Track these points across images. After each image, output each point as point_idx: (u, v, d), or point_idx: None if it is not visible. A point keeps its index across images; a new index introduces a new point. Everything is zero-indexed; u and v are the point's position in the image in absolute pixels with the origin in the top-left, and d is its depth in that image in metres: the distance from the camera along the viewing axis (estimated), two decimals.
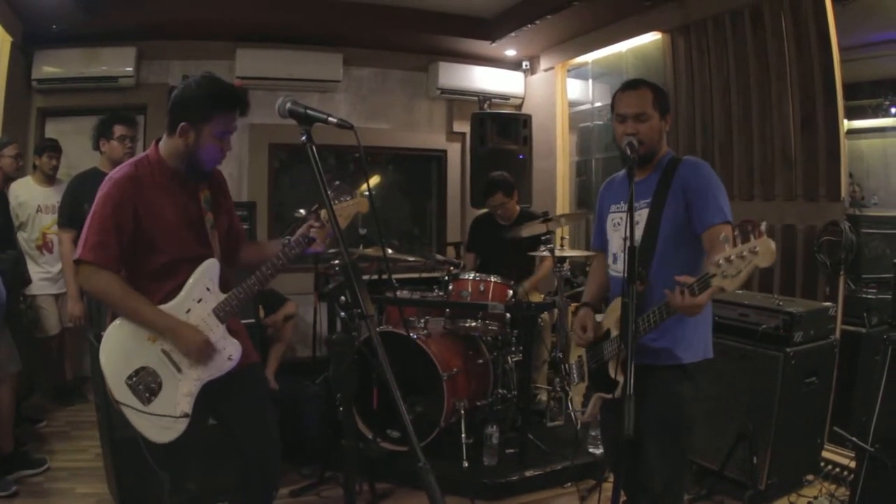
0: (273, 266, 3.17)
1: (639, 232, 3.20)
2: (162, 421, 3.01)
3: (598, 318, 3.49)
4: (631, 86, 3.32)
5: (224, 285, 3.24)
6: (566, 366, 3.73)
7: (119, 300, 3.04)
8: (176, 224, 3.14)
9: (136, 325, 3.07)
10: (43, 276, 6.34)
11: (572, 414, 5.91)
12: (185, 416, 3.04)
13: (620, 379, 3.04)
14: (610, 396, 3.21)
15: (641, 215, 3.23)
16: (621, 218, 3.37)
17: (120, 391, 2.99)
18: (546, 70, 9.02)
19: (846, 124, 5.31)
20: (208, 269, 3.19)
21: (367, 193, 3.22)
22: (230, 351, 3.20)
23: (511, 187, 6.65)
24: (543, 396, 6.39)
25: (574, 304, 5.86)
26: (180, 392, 3.07)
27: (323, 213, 3.20)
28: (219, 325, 3.18)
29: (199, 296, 3.16)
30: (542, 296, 6.54)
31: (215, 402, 3.25)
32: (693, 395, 3.22)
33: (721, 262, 2.48)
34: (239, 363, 3.22)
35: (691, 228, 3.13)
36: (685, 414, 3.21)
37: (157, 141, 3.21)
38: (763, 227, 2.41)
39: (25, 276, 5.73)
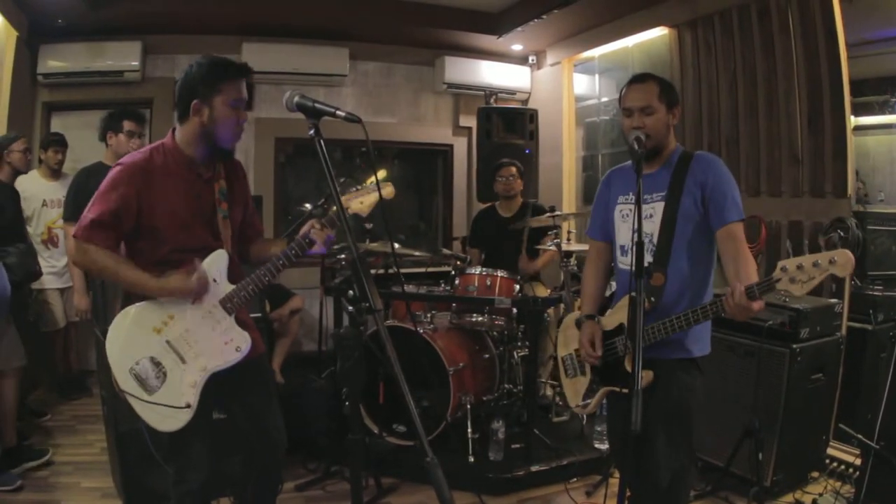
0: (275, 266, 3.18)
1: (653, 225, 3.23)
2: (165, 410, 3.02)
3: (607, 312, 3.49)
4: (638, 79, 3.33)
5: (233, 277, 3.25)
6: (560, 359, 3.74)
7: (112, 270, 3.07)
8: (185, 213, 3.16)
9: (139, 313, 3.10)
10: (48, 270, 6.34)
11: (574, 408, 5.91)
12: (188, 406, 3.05)
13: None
14: (625, 390, 3.20)
15: (655, 209, 3.24)
16: (630, 209, 3.37)
17: (124, 380, 3.02)
18: (552, 65, 9.01)
19: (853, 121, 5.30)
20: (216, 260, 3.20)
21: (376, 186, 3.24)
22: (238, 342, 3.19)
23: (522, 171, 6.80)
24: (549, 391, 6.39)
25: (579, 300, 5.86)
26: (185, 382, 3.07)
27: (332, 209, 3.20)
28: (226, 317, 3.18)
29: None
30: (549, 290, 6.54)
31: (222, 394, 3.26)
32: (702, 389, 3.24)
33: (790, 267, 2.56)
34: (247, 355, 3.22)
35: (705, 224, 3.14)
36: (694, 407, 3.23)
37: (174, 130, 3.24)
38: (836, 238, 2.55)
39: (35, 270, 5.73)
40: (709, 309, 2.96)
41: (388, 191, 3.28)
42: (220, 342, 3.17)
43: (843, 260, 2.49)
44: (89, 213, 3.04)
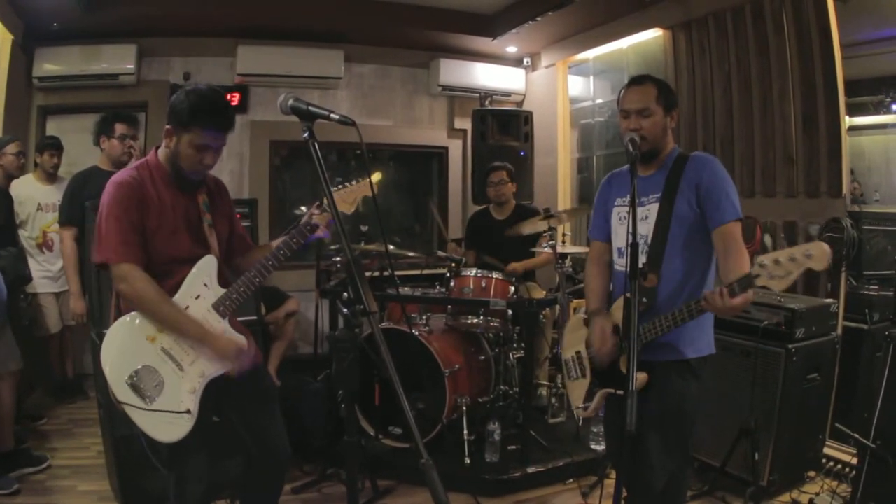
0: (275, 259, 3.19)
1: (648, 227, 3.23)
2: (165, 418, 3.01)
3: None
4: (636, 81, 3.33)
5: (223, 281, 3.26)
6: (564, 361, 3.74)
7: (156, 306, 3.05)
8: (176, 225, 3.17)
9: (133, 322, 3.09)
10: (43, 274, 6.33)
11: (574, 410, 5.91)
12: (188, 412, 3.04)
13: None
14: (620, 392, 3.20)
15: (651, 210, 3.24)
16: (627, 212, 3.37)
17: (121, 391, 3.00)
18: (547, 67, 9.01)
19: (847, 121, 5.31)
20: (206, 266, 3.21)
21: (364, 183, 3.25)
22: None
23: (513, 174, 6.78)
24: (545, 393, 6.39)
25: (575, 302, 5.86)
26: (183, 389, 3.07)
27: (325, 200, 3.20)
28: (220, 321, 3.19)
29: (197, 292, 3.17)
30: (544, 292, 6.54)
31: (220, 401, 3.26)
32: (697, 392, 3.23)
33: (767, 263, 2.53)
34: None
35: (702, 225, 3.14)
36: (689, 410, 3.22)
37: (157, 147, 3.25)
38: (813, 230, 2.51)
39: (25, 274, 5.73)
40: (693, 307, 2.95)
41: (376, 178, 3.29)
42: None
43: (818, 253, 2.45)
44: (109, 236, 3.02)
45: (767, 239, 5.46)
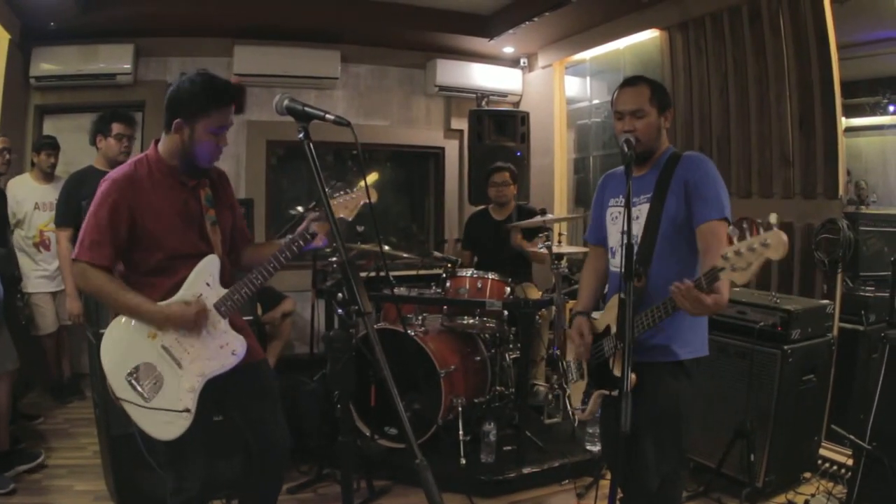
0: (276, 261, 3.17)
1: (638, 227, 3.21)
2: (163, 416, 3.01)
3: (596, 314, 3.48)
4: (629, 83, 3.32)
5: (225, 281, 3.25)
6: (564, 363, 3.72)
7: (112, 296, 3.05)
8: (175, 221, 3.15)
9: (133, 319, 3.08)
10: (40, 273, 6.33)
11: (571, 412, 5.91)
12: (187, 411, 3.04)
13: None
14: (613, 393, 3.20)
15: (642, 210, 3.24)
16: (619, 212, 3.37)
17: (120, 387, 3.00)
18: (544, 67, 9.02)
19: (844, 122, 5.31)
20: (208, 265, 3.20)
21: (364, 189, 3.25)
22: (233, 346, 3.20)
23: (516, 176, 6.80)
24: (541, 393, 6.39)
25: (570, 303, 5.86)
26: (182, 387, 3.07)
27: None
28: (220, 321, 3.19)
29: (199, 291, 3.16)
30: (540, 293, 6.55)
31: (222, 399, 3.27)
32: (691, 392, 3.22)
33: (729, 254, 2.48)
34: (244, 360, 3.23)
35: (690, 224, 3.13)
36: (683, 411, 3.21)
37: (157, 141, 3.23)
38: (773, 218, 2.42)
39: (14, 274, 5.71)
40: (668, 304, 2.92)
41: (372, 178, 3.30)
42: (216, 346, 3.17)
43: (775, 241, 2.39)
44: (85, 235, 3.03)
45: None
